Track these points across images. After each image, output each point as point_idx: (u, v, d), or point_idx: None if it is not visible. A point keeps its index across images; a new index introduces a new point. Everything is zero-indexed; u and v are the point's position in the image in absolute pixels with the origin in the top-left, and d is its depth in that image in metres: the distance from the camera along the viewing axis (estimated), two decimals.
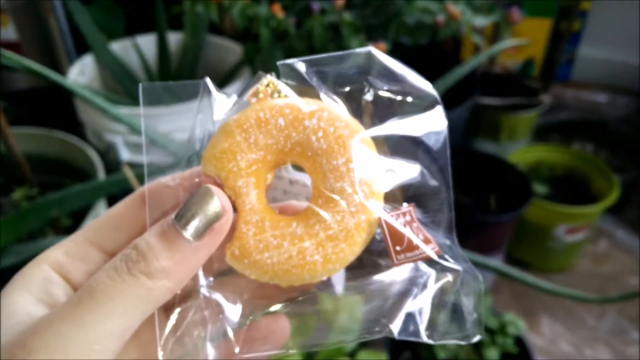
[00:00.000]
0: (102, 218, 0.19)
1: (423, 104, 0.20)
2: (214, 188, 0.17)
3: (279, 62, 0.19)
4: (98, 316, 0.15)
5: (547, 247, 0.92)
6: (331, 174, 0.17)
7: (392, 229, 0.17)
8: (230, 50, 0.92)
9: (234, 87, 0.78)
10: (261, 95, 0.18)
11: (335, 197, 0.17)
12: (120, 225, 0.19)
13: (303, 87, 0.19)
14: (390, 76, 0.20)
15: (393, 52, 0.79)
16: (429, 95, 0.20)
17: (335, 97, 0.19)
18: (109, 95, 0.85)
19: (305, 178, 0.20)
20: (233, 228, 0.18)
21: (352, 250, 0.17)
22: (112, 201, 0.69)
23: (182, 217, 0.16)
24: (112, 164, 0.74)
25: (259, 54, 0.81)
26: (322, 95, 0.19)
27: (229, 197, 0.17)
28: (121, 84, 0.88)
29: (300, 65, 0.19)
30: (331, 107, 0.18)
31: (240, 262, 0.18)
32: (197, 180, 0.19)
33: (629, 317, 0.86)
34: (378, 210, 0.17)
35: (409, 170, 0.19)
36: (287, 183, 0.20)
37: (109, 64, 0.87)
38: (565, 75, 1.30)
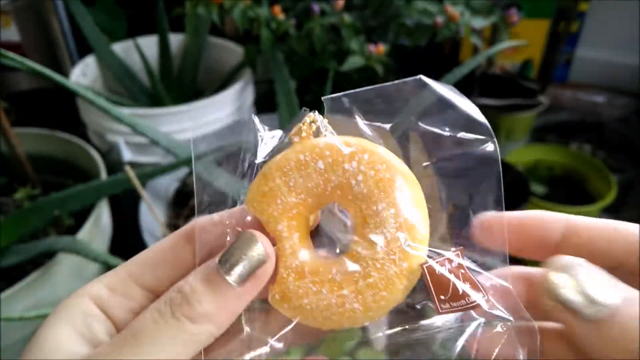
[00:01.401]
0: (147, 253, 0.19)
1: (475, 138, 0.19)
2: (257, 233, 0.17)
3: (324, 97, 0.18)
4: (141, 359, 0.15)
5: None
6: (371, 219, 0.17)
7: (435, 277, 0.16)
8: (231, 51, 0.92)
9: (235, 87, 0.78)
10: (304, 134, 0.18)
11: (376, 243, 0.16)
12: (164, 263, 0.19)
13: (348, 124, 0.18)
14: (441, 106, 0.19)
15: (392, 54, 0.79)
16: (482, 127, 0.19)
17: (380, 132, 0.18)
18: (111, 96, 0.86)
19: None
20: (276, 271, 0.17)
21: (394, 298, 0.17)
22: (113, 201, 0.69)
23: (226, 262, 0.16)
24: (114, 164, 0.74)
25: (260, 55, 0.82)
26: (365, 131, 0.18)
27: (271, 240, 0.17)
28: (123, 85, 0.89)
29: (345, 99, 0.18)
30: (373, 147, 0.17)
31: (281, 306, 0.17)
32: (248, 218, 0.18)
33: None
34: (421, 256, 0.17)
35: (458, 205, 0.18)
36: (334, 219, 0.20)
37: (111, 65, 0.87)
38: (564, 76, 1.31)
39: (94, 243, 0.60)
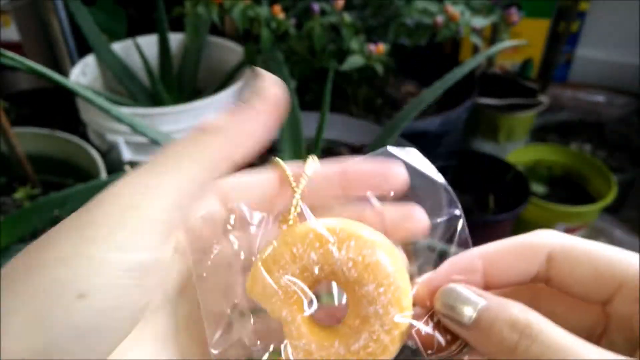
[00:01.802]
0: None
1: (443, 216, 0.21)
2: (265, 73, 0.20)
3: (305, 170, 0.21)
4: (169, 170, 0.17)
5: None
6: (364, 298, 0.19)
7: (422, 337, 0.19)
8: (231, 51, 0.92)
9: (235, 87, 0.78)
10: (291, 222, 0.19)
11: (370, 318, 0.19)
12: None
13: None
14: (410, 172, 0.21)
15: (392, 54, 0.79)
16: (447, 192, 0.21)
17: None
18: (111, 95, 0.85)
19: None
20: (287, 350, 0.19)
21: (389, 358, 0.19)
22: None
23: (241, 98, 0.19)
24: (114, 163, 0.74)
25: (260, 54, 0.82)
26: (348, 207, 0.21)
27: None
28: (123, 85, 0.89)
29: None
30: (356, 230, 0.19)
31: None
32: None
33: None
34: (408, 321, 0.19)
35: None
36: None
37: (111, 64, 0.87)
38: (564, 76, 1.31)
39: None
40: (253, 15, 0.76)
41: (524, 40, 0.87)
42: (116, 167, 0.73)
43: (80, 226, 0.16)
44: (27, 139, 0.73)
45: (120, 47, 0.91)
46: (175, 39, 0.94)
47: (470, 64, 0.66)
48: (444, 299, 0.18)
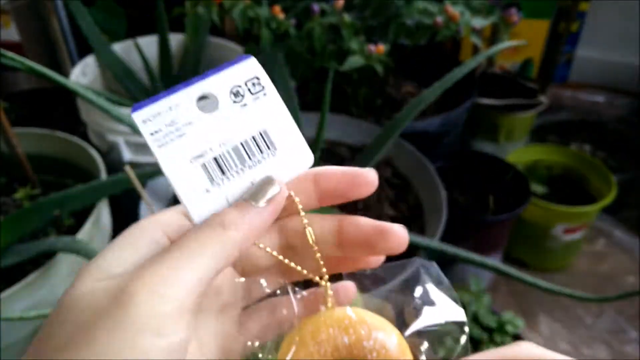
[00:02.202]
0: None
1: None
2: (272, 177, 0.22)
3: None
4: (186, 261, 0.19)
5: (545, 246, 0.93)
6: None
7: None
8: (231, 51, 0.92)
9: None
10: (329, 305, 0.23)
11: None
12: None
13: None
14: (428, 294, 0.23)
15: (392, 54, 0.79)
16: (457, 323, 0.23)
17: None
18: (111, 96, 0.86)
19: None
20: None
21: None
22: (113, 201, 0.69)
23: (250, 195, 0.21)
24: (114, 164, 0.74)
25: (260, 55, 0.82)
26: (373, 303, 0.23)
27: None
28: (123, 85, 0.89)
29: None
30: (382, 325, 0.22)
31: None
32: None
33: (627, 316, 0.87)
34: None
35: None
36: None
37: (111, 65, 0.87)
38: (564, 76, 1.31)
39: (94, 243, 0.60)
40: (253, 15, 0.76)
41: (524, 41, 0.87)
42: (116, 167, 0.73)
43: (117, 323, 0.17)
44: (27, 139, 0.73)
45: (121, 48, 0.91)
46: (175, 39, 0.94)
47: (470, 64, 0.66)
48: None
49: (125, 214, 0.68)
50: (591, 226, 0.95)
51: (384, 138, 0.68)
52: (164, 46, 0.91)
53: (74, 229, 0.61)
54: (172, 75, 0.92)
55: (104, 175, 0.68)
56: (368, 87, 0.87)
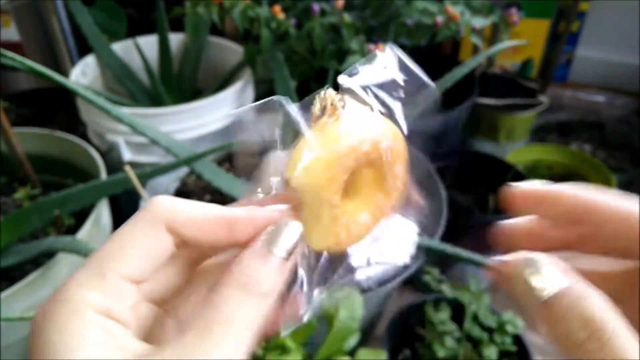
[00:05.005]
0: (117, 246, 0.19)
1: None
2: (294, 222, 0.20)
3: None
4: (223, 339, 0.17)
5: None
6: (389, 176, 0.23)
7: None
8: (231, 51, 0.92)
9: (235, 87, 0.78)
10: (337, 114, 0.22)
11: (391, 188, 0.23)
12: (141, 253, 0.19)
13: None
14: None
15: None
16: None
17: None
18: (111, 96, 0.86)
19: None
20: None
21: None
22: (113, 201, 0.69)
23: (276, 244, 0.19)
24: (114, 164, 0.74)
25: (260, 54, 0.82)
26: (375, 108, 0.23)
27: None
28: (123, 85, 0.89)
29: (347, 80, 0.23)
30: (391, 126, 0.23)
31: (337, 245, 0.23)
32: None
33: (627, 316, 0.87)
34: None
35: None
36: None
37: (111, 64, 0.87)
38: (564, 76, 1.31)
39: (94, 243, 0.60)
40: (253, 15, 0.76)
41: (524, 40, 0.87)
42: (116, 167, 0.73)
43: None
44: (27, 139, 0.73)
45: (120, 47, 0.91)
46: (175, 39, 0.94)
47: (470, 64, 0.66)
48: (527, 267, 0.19)
49: (125, 214, 0.68)
50: None
51: None
52: (164, 46, 0.91)
53: (74, 229, 0.61)
54: (172, 75, 0.92)
55: (103, 175, 0.68)
56: None
